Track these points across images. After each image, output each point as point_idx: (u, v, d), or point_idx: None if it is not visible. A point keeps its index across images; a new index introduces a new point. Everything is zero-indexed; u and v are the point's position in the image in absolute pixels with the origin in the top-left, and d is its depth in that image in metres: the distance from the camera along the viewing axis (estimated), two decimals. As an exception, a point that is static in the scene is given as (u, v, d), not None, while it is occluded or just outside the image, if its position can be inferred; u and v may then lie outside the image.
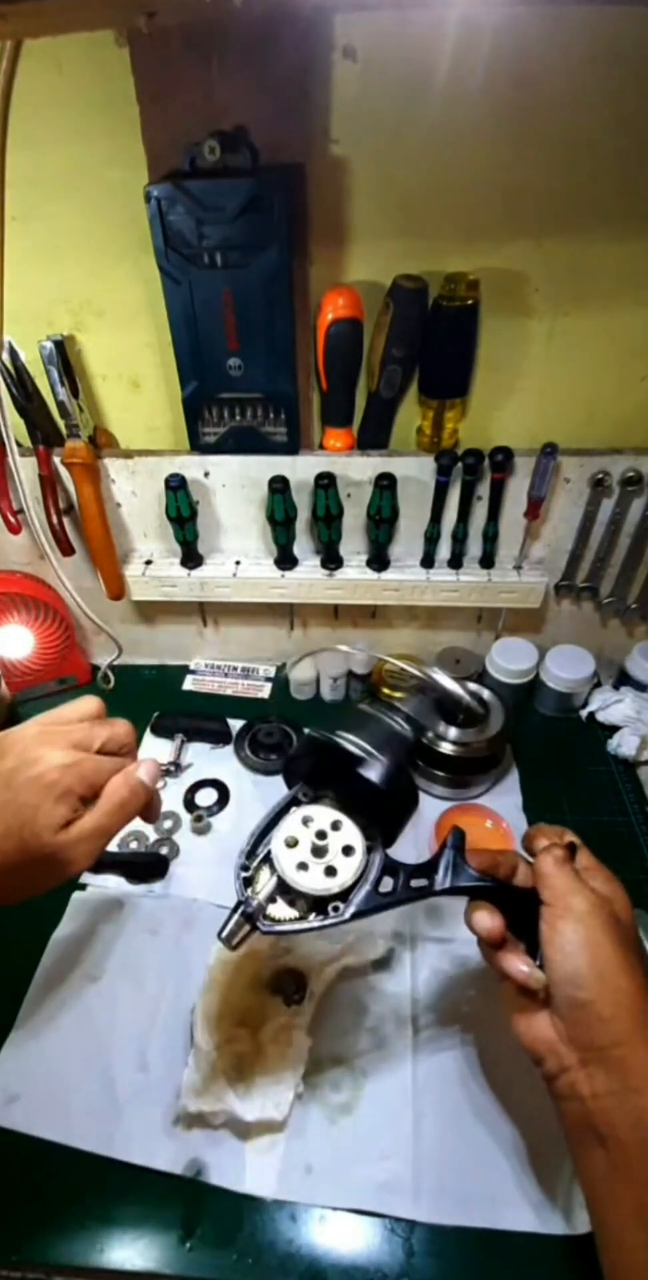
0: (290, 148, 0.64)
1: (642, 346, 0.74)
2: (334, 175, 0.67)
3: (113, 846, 0.76)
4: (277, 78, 0.61)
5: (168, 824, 0.79)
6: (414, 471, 0.79)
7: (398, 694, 0.93)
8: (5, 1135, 0.55)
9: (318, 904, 0.45)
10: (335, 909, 0.45)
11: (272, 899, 0.46)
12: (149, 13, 0.48)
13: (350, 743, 0.49)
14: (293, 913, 0.45)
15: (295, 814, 0.49)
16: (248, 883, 0.46)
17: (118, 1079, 0.58)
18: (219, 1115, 0.54)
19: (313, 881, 0.45)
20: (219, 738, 0.89)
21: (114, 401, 0.83)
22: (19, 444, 0.78)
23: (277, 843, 0.47)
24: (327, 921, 0.45)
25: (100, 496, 0.82)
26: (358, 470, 0.80)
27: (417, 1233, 0.50)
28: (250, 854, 0.48)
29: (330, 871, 0.45)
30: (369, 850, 0.47)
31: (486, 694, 0.83)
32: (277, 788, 0.83)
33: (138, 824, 0.78)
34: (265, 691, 0.98)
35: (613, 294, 0.71)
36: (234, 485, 0.82)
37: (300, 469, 0.80)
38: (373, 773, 0.47)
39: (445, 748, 0.77)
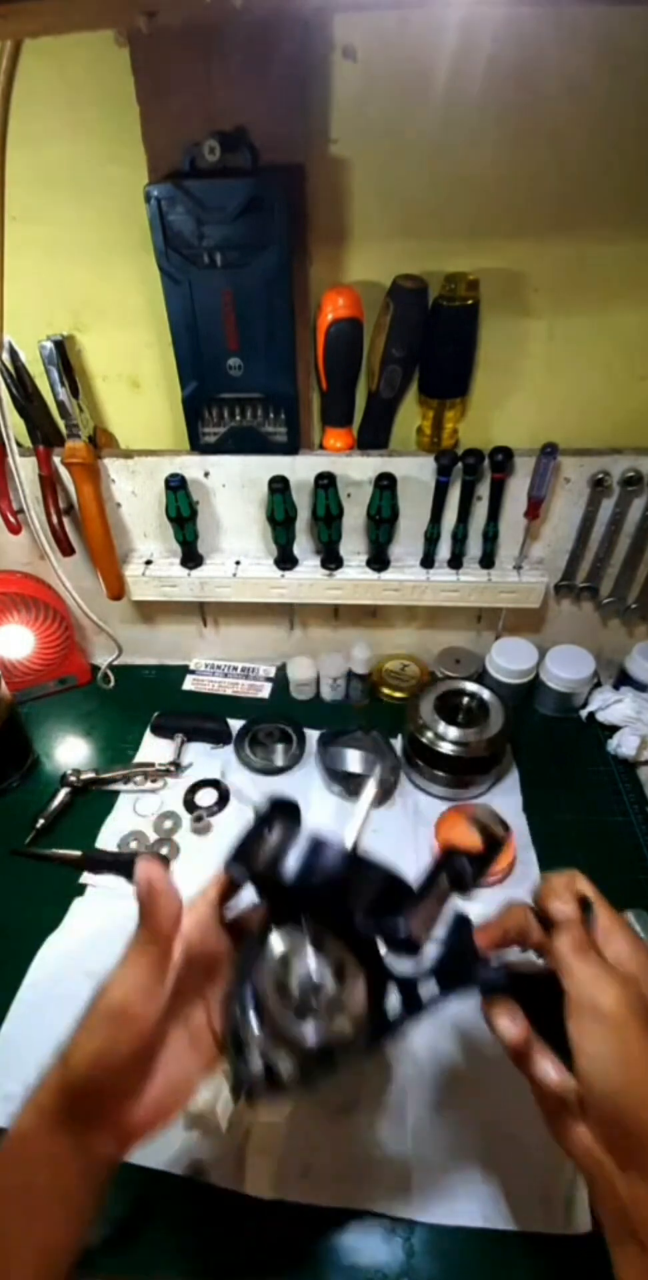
0: (290, 148, 0.64)
1: (642, 346, 0.74)
2: (334, 175, 0.67)
3: (112, 846, 0.76)
4: (277, 78, 0.61)
5: (168, 824, 0.79)
6: (414, 471, 0.79)
7: (398, 694, 0.93)
8: (4, 1135, 0.55)
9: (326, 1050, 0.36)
10: (344, 1043, 0.36)
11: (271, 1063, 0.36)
12: (149, 13, 0.48)
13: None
14: (291, 1066, 0.36)
15: (272, 950, 0.38)
16: (239, 1042, 0.36)
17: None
18: (219, 1115, 0.54)
19: (317, 1030, 0.36)
20: (219, 738, 0.89)
21: (114, 401, 0.83)
22: (19, 444, 0.78)
23: (270, 996, 0.36)
24: (336, 1062, 0.36)
25: (100, 496, 0.82)
26: (358, 470, 0.80)
27: (417, 1233, 0.50)
28: (237, 1019, 0.37)
29: (334, 1008, 0.36)
30: (367, 966, 0.38)
31: (485, 694, 0.83)
32: (277, 787, 0.84)
33: (138, 824, 0.79)
34: (265, 691, 0.98)
35: (613, 294, 0.71)
36: (234, 485, 0.82)
37: (300, 469, 0.80)
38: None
39: (445, 748, 0.77)
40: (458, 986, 0.39)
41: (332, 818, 0.79)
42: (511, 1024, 0.38)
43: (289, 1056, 0.35)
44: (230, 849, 0.39)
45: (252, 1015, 0.36)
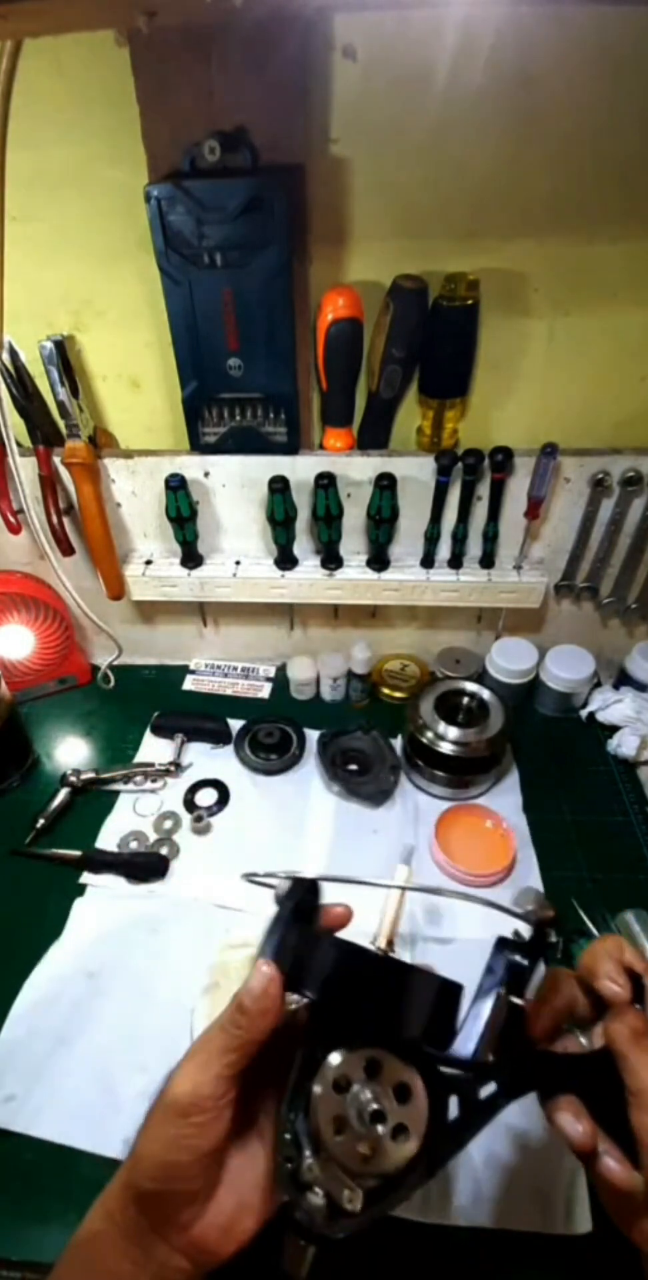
0: (290, 148, 0.64)
1: (642, 346, 0.74)
2: (334, 175, 0.67)
3: (112, 846, 0.76)
4: (277, 78, 0.61)
5: (168, 824, 0.79)
6: (414, 471, 0.79)
7: (398, 694, 0.93)
8: (3, 1135, 0.55)
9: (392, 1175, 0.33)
10: (411, 1169, 0.33)
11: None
12: (149, 13, 0.48)
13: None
14: (358, 1191, 0.32)
15: (324, 1076, 0.33)
16: (298, 1182, 0.32)
17: (117, 1079, 0.58)
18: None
19: (387, 1159, 0.33)
20: (219, 738, 0.89)
21: (114, 401, 0.83)
22: (19, 444, 0.78)
23: (326, 1130, 0.32)
24: (404, 1188, 0.33)
25: (100, 496, 0.82)
26: (358, 470, 0.80)
27: (417, 1233, 0.50)
28: (289, 1143, 0.33)
29: (399, 1132, 0.33)
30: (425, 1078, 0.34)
31: (485, 694, 0.83)
32: (277, 787, 0.84)
33: (138, 824, 0.79)
34: (265, 691, 0.98)
35: (614, 294, 0.71)
36: (234, 485, 0.82)
37: (300, 469, 0.80)
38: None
39: (445, 748, 0.77)
40: (520, 1088, 0.36)
41: (331, 816, 0.79)
42: (575, 1123, 0.35)
43: (353, 1186, 0.32)
44: (262, 952, 0.35)
45: (306, 1150, 0.33)
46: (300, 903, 0.37)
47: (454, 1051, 0.35)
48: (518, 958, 0.37)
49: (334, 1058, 0.33)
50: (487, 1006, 0.36)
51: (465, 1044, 0.35)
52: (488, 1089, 0.35)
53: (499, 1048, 0.35)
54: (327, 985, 0.34)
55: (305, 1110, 0.33)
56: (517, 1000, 0.36)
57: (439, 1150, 0.34)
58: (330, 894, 0.39)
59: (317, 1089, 0.33)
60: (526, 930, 0.38)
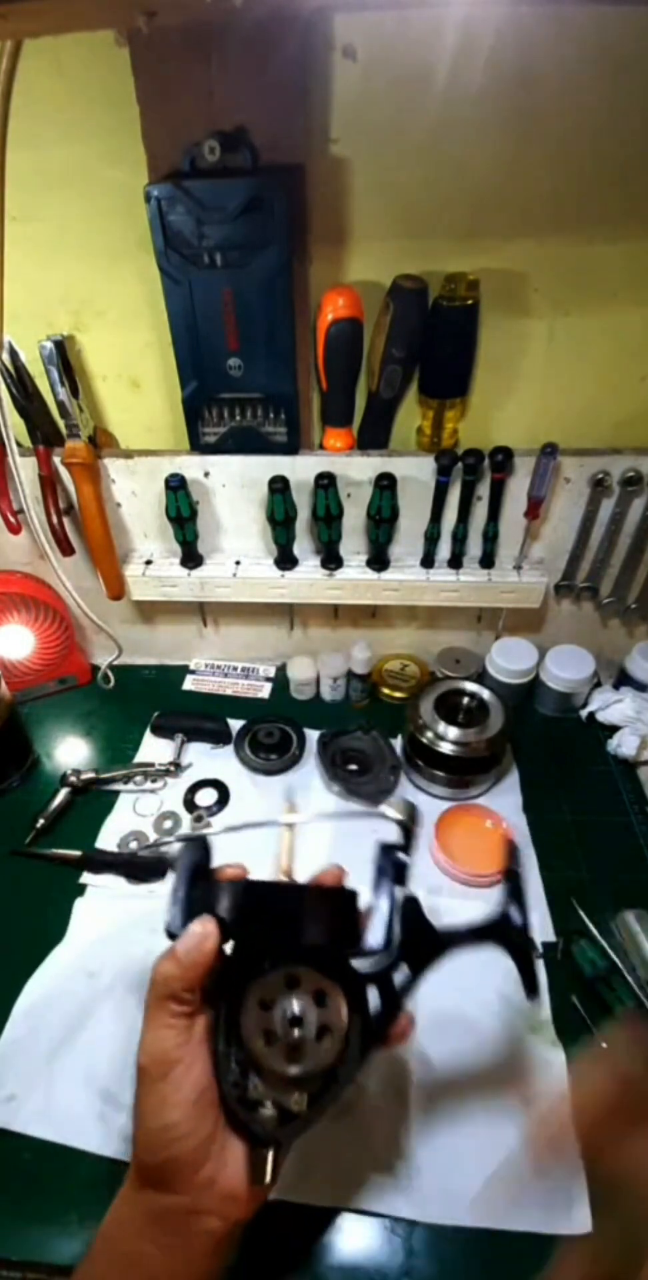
0: (290, 148, 0.64)
1: (642, 346, 0.74)
2: (334, 175, 0.67)
3: (112, 846, 0.76)
4: (277, 78, 0.61)
5: (168, 824, 0.79)
6: (414, 471, 0.79)
7: (398, 694, 0.93)
8: (4, 1135, 0.55)
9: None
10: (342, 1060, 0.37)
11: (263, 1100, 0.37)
12: (149, 13, 0.48)
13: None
14: (303, 1095, 0.37)
15: (248, 1001, 0.37)
16: (246, 1100, 0.36)
17: (117, 1079, 0.57)
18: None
19: (317, 1056, 0.37)
20: (219, 738, 0.89)
21: (114, 401, 0.83)
22: (19, 444, 0.78)
23: (257, 1045, 0.36)
24: (342, 1080, 0.38)
25: (100, 496, 0.82)
26: (358, 470, 0.80)
27: (417, 1233, 0.50)
28: (237, 1070, 0.37)
29: (324, 1032, 0.37)
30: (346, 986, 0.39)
31: (485, 694, 0.83)
32: (277, 787, 0.84)
33: (138, 824, 0.79)
34: (265, 691, 0.98)
35: (614, 294, 0.71)
36: (234, 485, 0.82)
37: (300, 469, 0.79)
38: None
39: (445, 748, 0.77)
40: (426, 962, 0.41)
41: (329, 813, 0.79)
42: None
43: (295, 1091, 0.36)
44: (172, 915, 0.39)
45: (251, 1073, 0.37)
46: (196, 863, 0.42)
47: (365, 946, 0.39)
48: (401, 855, 0.43)
49: (254, 983, 0.37)
50: (384, 901, 0.41)
51: (374, 937, 0.40)
52: (401, 974, 0.40)
53: (402, 933, 0.40)
54: (235, 922, 0.38)
55: (240, 1036, 0.36)
56: (407, 890, 0.42)
57: (367, 1038, 0.38)
58: (226, 845, 0.44)
59: (245, 1012, 0.37)
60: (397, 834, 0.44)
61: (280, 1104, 0.36)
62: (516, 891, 0.46)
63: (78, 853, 0.74)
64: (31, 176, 0.67)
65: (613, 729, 0.87)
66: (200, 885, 0.41)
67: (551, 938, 0.67)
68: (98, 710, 0.95)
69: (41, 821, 0.77)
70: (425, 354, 0.74)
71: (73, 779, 0.81)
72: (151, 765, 0.84)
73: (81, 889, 0.72)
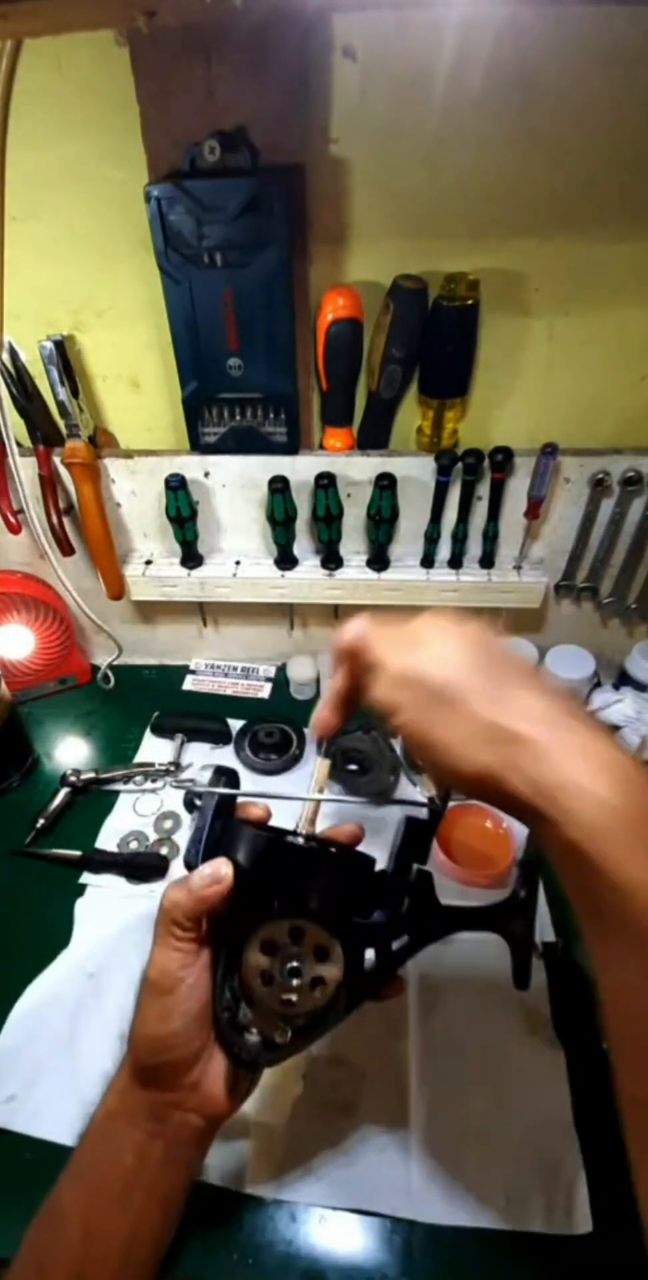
0: (290, 148, 0.64)
1: (642, 346, 0.74)
2: (334, 175, 0.67)
3: (112, 846, 0.76)
4: (277, 78, 0.61)
5: (168, 824, 0.79)
6: (414, 471, 0.79)
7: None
8: (4, 1135, 0.55)
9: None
10: (330, 1008, 0.41)
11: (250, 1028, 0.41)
12: (149, 13, 0.48)
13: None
14: (287, 1029, 0.40)
15: (253, 941, 0.40)
16: (236, 1024, 0.40)
17: (118, 1079, 0.58)
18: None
19: (306, 1004, 0.40)
20: (219, 738, 0.89)
21: (114, 401, 0.83)
22: (19, 444, 0.78)
23: (254, 982, 0.39)
24: (326, 1024, 0.41)
25: (100, 496, 0.82)
26: (358, 470, 0.80)
27: (417, 1233, 0.50)
28: (230, 997, 0.41)
29: (317, 983, 0.40)
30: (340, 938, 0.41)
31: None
32: (277, 787, 0.84)
33: (138, 824, 0.79)
34: (265, 691, 0.98)
35: (614, 294, 0.71)
36: (234, 485, 0.82)
37: (300, 469, 0.79)
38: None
39: (445, 748, 0.77)
40: (429, 937, 0.43)
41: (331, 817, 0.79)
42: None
43: (283, 1026, 0.40)
44: (193, 848, 0.42)
45: (243, 1003, 0.40)
46: (221, 799, 0.44)
47: (374, 918, 0.42)
48: (426, 828, 0.45)
49: (261, 926, 0.40)
50: (398, 874, 0.43)
51: (383, 910, 0.42)
52: (400, 941, 0.43)
53: (411, 905, 0.43)
54: (252, 873, 0.40)
55: (239, 971, 0.40)
56: (423, 867, 0.44)
57: (358, 991, 0.41)
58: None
59: (247, 951, 0.39)
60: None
61: (265, 1034, 0.40)
62: (530, 880, 0.47)
63: (78, 853, 0.74)
64: (32, 176, 0.67)
65: (613, 729, 0.87)
66: (224, 822, 0.43)
67: (550, 938, 0.67)
68: (98, 710, 0.95)
69: (42, 821, 0.77)
70: (425, 354, 0.74)
71: (73, 779, 0.81)
72: (151, 765, 0.84)
73: (81, 889, 0.72)
